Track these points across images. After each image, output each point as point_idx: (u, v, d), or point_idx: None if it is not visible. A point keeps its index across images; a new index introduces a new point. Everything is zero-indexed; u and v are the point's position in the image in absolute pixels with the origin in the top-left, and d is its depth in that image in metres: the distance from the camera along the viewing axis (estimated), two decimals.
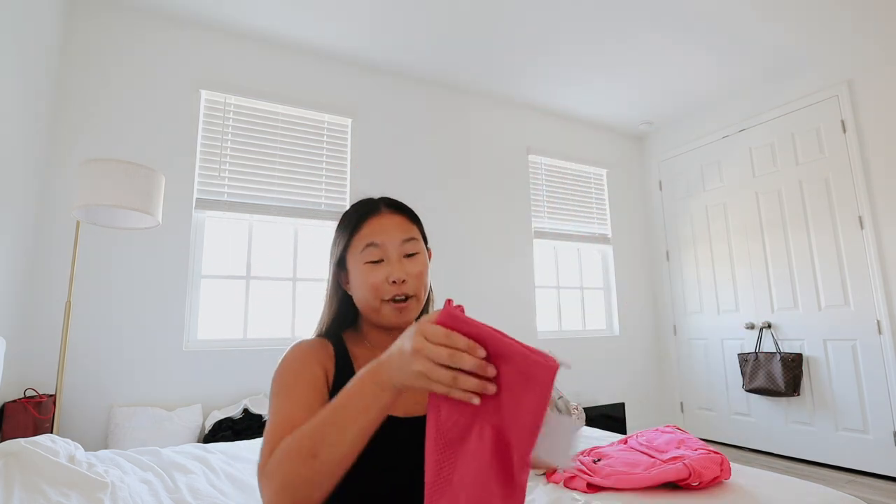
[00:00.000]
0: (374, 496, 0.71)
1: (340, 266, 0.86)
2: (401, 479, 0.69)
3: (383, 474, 0.71)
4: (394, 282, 0.79)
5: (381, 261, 0.81)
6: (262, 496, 0.60)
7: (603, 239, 4.19)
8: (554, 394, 1.85)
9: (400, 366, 0.54)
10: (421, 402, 0.80)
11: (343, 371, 0.81)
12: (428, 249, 0.91)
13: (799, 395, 3.18)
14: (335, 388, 0.78)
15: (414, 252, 0.83)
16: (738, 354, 3.53)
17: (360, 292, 0.82)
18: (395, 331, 0.84)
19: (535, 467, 0.62)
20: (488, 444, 0.54)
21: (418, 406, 0.80)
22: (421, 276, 0.82)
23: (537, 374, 0.50)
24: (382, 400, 0.56)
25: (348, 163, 3.17)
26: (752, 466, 2.13)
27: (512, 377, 0.52)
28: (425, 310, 0.90)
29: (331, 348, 0.83)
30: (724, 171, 3.81)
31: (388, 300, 0.80)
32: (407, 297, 0.81)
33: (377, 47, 3.09)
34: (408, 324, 0.82)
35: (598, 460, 1.57)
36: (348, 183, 3.14)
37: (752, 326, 3.51)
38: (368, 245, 0.80)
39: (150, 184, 1.91)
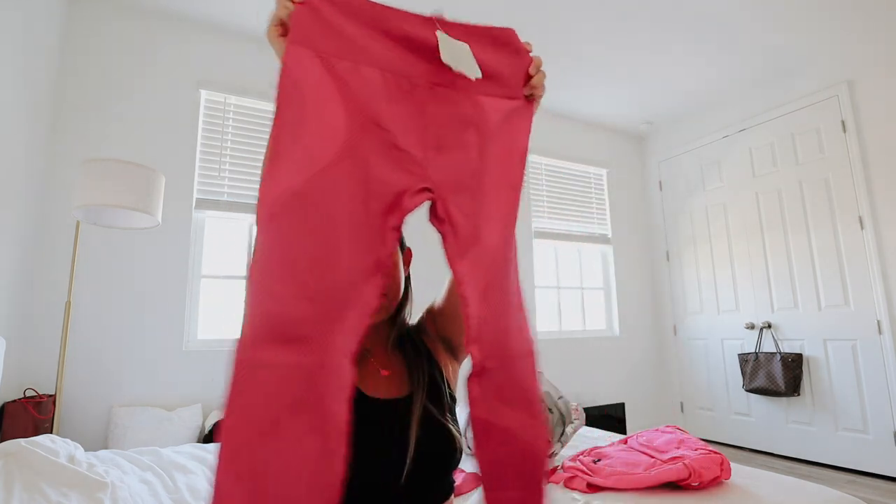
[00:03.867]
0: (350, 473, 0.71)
1: None
2: (372, 457, 0.69)
3: (357, 452, 0.72)
4: None
5: None
6: None
7: (603, 239, 4.19)
8: (553, 393, 1.84)
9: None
10: (396, 385, 0.81)
11: None
12: (407, 249, 0.90)
13: (799, 395, 3.18)
14: None
15: None
16: (739, 354, 3.53)
17: None
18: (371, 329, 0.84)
19: None
20: None
21: (392, 388, 0.80)
22: None
23: None
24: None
25: None
26: (751, 466, 2.13)
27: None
28: (402, 307, 0.88)
29: None
30: (724, 171, 3.81)
31: None
32: None
33: None
34: (379, 319, 0.82)
35: (598, 460, 1.57)
36: None
37: (752, 326, 3.50)
38: None
39: (150, 184, 1.91)
